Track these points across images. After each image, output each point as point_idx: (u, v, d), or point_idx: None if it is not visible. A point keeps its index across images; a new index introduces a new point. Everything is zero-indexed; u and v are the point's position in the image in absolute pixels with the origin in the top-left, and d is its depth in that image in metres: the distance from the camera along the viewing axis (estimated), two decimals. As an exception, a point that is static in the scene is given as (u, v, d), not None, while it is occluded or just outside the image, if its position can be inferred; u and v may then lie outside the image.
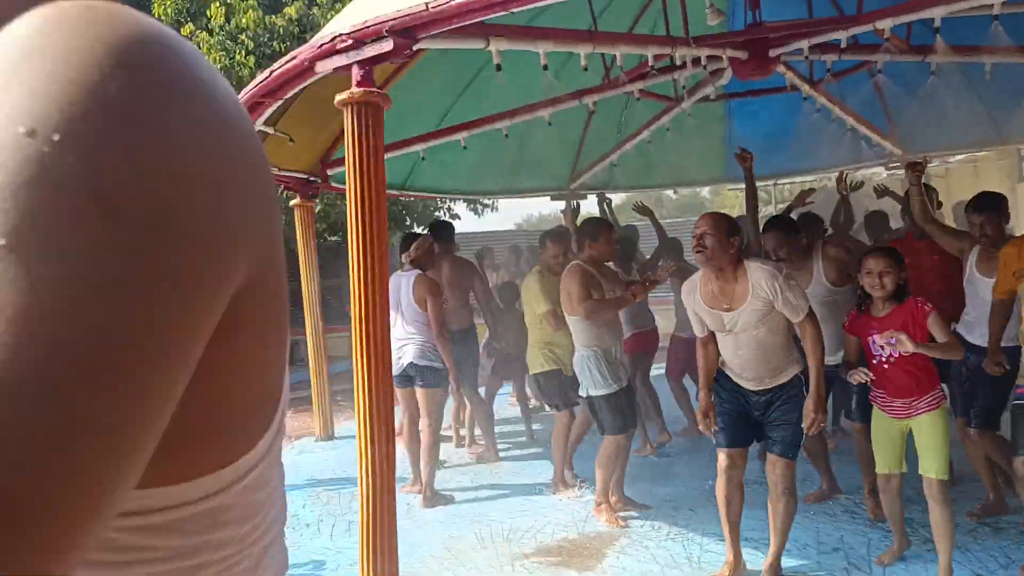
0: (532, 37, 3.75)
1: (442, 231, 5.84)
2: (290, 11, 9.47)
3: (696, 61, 4.84)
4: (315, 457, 6.24)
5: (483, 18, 3.03)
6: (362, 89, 2.97)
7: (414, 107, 6.28)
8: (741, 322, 3.21)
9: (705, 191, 30.10)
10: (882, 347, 3.16)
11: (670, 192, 13.70)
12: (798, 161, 8.37)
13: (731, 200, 25.71)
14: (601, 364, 4.14)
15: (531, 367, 4.99)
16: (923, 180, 4.16)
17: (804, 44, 4.61)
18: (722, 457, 3.41)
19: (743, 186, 12.23)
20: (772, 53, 4.73)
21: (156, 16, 9.34)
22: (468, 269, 5.79)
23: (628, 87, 5.25)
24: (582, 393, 4.32)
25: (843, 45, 4.65)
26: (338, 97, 3.02)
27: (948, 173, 9.91)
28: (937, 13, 4.01)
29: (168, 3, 9.32)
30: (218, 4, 9.15)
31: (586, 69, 4.15)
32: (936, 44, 4.43)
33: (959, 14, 4.06)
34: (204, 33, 9.10)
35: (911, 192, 4.06)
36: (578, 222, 5.65)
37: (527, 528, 4.26)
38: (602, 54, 4.59)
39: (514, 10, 2.76)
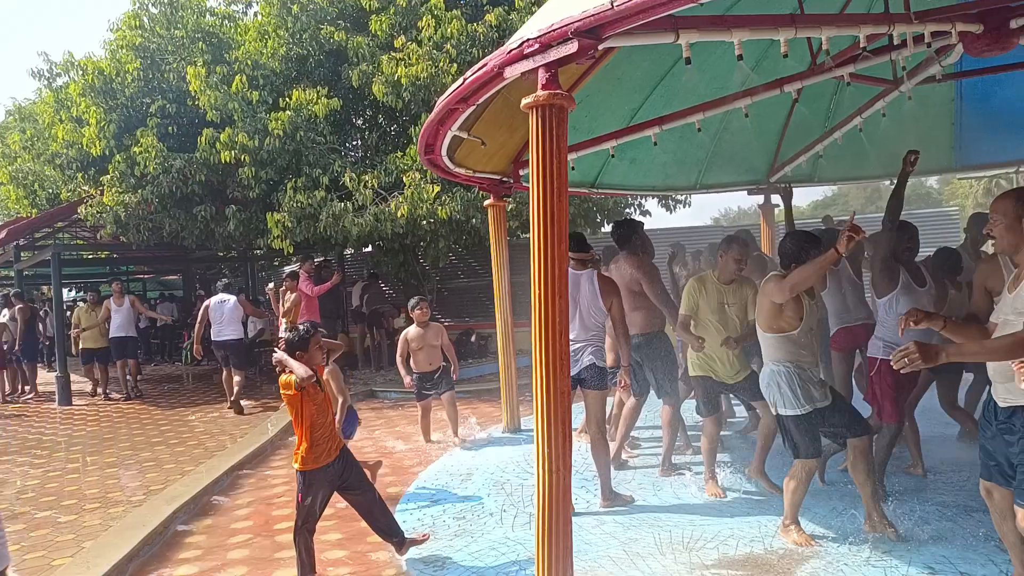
0: (725, 26, 3.57)
1: (625, 231, 5.63)
2: (490, 18, 9.83)
3: (919, 39, 4.34)
4: (502, 448, 6.47)
5: (672, 11, 2.94)
6: (547, 92, 3.00)
7: (605, 105, 6.27)
8: None
9: (932, 180, 27.16)
10: None
11: (889, 182, 12.48)
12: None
13: (963, 189, 22.98)
14: (794, 381, 3.87)
15: (692, 370, 4.96)
16: None
17: (1055, 10, 3.97)
18: None
19: (977, 174, 10.79)
20: (1013, 24, 4.12)
21: (372, 32, 10.15)
22: (640, 269, 5.44)
23: (836, 72, 4.85)
24: (773, 411, 4.09)
25: (1107, 8, 3.94)
26: (524, 100, 3.08)
27: None
28: None
29: (383, 19, 10.07)
30: (429, 16, 9.73)
31: (786, 56, 3.87)
32: None
33: None
34: (414, 44, 9.72)
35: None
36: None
37: (710, 537, 4.09)
38: (807, 39, 4.27)
39: (703, 1, 2.65)
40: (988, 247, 4.93)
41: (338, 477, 3.98)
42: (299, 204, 9.51)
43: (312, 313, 9.74)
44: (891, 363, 2.64)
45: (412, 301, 6.55)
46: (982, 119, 7.32)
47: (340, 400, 4.98)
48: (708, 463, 4.92)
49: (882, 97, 5.77)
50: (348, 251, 13.80)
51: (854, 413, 3.97)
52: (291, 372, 3.79)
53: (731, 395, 5.65)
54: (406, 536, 4.14)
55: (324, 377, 4.16)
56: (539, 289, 3.00)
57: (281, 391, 3.90)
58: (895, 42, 4.47)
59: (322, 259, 12.62)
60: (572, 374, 4.18)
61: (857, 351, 5.32)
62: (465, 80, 3.62)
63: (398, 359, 6.74)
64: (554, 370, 2.95)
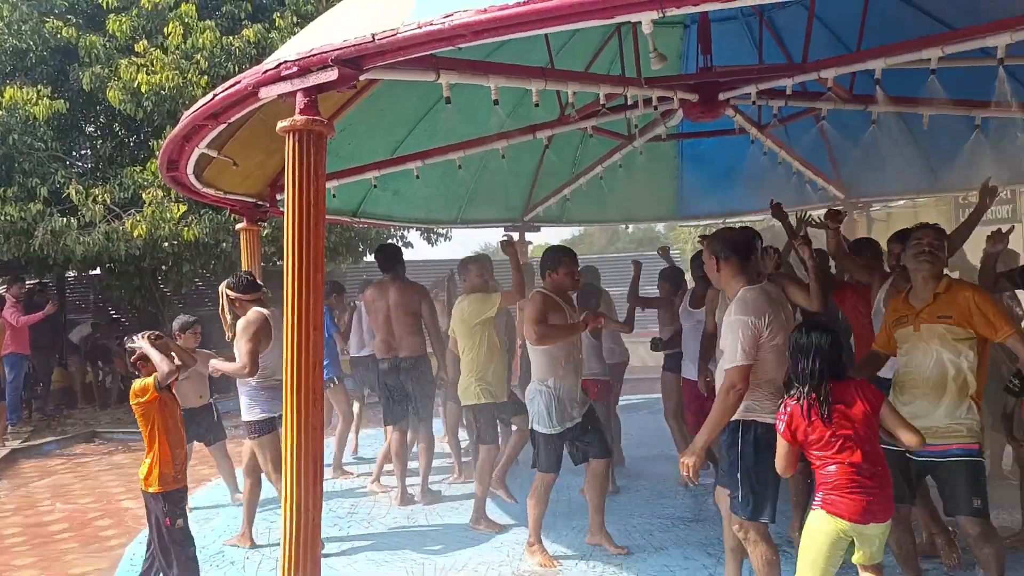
0: (483, 71, 3.75)
1: (388, 255, 5.71)
2: (248, 33, 9.38)
3: (647, 101, 4.92)
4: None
5: (433, 51, 3.02)
6: (305, 117, 2.91)
7: (369, 135, 6.25)
8: None
9: (660, 226, 30.56)
10: None
11: (625, 226, 13.89)
12: (746, 202, 8.55)
13: (684, 235, 26.11)
14: (551, 402, 4.06)
15: (464, 398, 4.89)
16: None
17: (752, 89, 4.71)
18: None
19: (695, 223, 12.37)
20: (721, 96, 4.82)
21: (110, 32, 9.15)
22: (417, 294, 5.53)
23: (581, 124, 5.30)
24: (532, 426, 4.27)
25: (789, 92, 4.78)
26: (280, 124, 2.96)
27: (890, 217, 10.23)
28: (877, 65, 4.16)
29: (124, 20, 9.15)
30: (175, 23, 9.00)
31: (537, 105, 4.16)
32: (877, 94, 4.58)
33: (898, 67, 4.21)
34: (158, 51, 8.93)
35: (828, 233, 4.09)
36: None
37: (460, 566, 4.16)
38: (557, 91, 4.62)
39: (461, 46, 2.75)
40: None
41: None
42: (8, 217, 8.23)
43: (20, 345, 8.44)
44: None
45: (180, 322, 5.49)
46: (698, 175, 8.45)
47: None
48: (481, 494, 4.88)
49: (619, 150, 6.43)
50: (70, 273, 12.15)
51: (603, 436, 4.22)
52: (147, 371, 3.43)
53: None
54: None
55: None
56: (292, 319, 2.87)
57: (133, 400, 3.47)
58: (629, 102, 5.00)
59: (36, 283, 10.92)
60: None
61: None
62: (215, 96, 3.39)
63: None
64: (305, 405, 2.82)
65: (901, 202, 9.48)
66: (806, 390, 2.72)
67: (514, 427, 5.08)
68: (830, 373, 2.72)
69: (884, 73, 4.28)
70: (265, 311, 4.43)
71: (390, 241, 12.26)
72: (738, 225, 4.41)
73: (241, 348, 4.29)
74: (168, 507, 3.55)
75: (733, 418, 3.09)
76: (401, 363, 5.32)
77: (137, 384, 3.52)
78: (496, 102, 3.92)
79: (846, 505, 2.66)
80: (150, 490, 3.55)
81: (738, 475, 3.08)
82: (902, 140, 6.32)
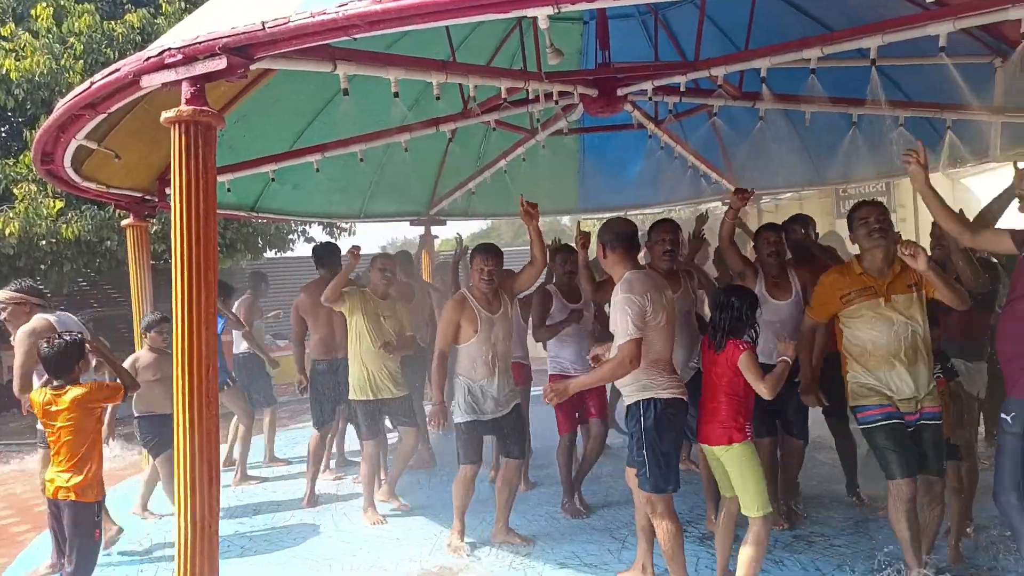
0: (382, 63, 3.69)
1: (326, 253, 5.59)
2: (132, 18, 8.86)
3: (548, 96, 4.98)
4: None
5: (328, 41, 2.95)
6: (191, 107, 2.78)
7: (266, 126, 6.04)
8: None
9: (565, 219, 31.04)
10: None
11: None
12: (645, 195, 8.81)
13: (590, 228, 26.63)
14: (464, 393, 4.11)
15: (352, 395, 4.89)
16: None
17: (648, 85, 4.85)
18: None
19: (600, 216, 12.67)
20: (619, 92, 4.94)
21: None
22: None
23: (483, 117, 5.30)
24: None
25: (682, 88, 4.95)
26: (165, 115, 2.82)
27: (778, 209, 10.79)
28: (763, 64, 4.37)
29: (-14, 0, 8.48)
30: (45, 5, 8.38)
31: (438, 98, 4.14)
32: (763, 92, 4.79)
33: (782, 66, 4.43)
34: (27, 35, 8.31)
35: (727, 213, 4.18)
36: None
37: (367, 567, 4.10)
38: (459, 84, 4.60)
39: (357, 36, 2.70)
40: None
41: None
42: None
43: None
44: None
45: (149, 319, 5.04)
46: (600, 169, 8.63)
47: None
48: (367, 492, 4.90)
49: (522, 144, 6.48)
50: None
51: (521, 438, 4.29)
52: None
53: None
54: None
55: None
56: (182, 319, 2.74)
57: (90, 403, 3.36)
58: (530, 96, 5.04)
59: None
60: None
61: None
62: (93, 84, 3.19)
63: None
64: (198, 408, 2.71)
65: (788, 195, 10.01)
66: (713, 335, 3.33)
67: (399, 432, 5.03)
68: (729, 328, 3.27)
69: (770, 72, 4.49)
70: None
71: (291, 237, 11.93)
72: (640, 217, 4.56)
73: None
74: (98, 516, 3.48)
75: (634, 400, 3.26)
76: (340, 364, 5.20)
77: (94, 385, 3.48)
78: (396, 94, 3.88)
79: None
80: (84, 499, 3.35)
81: (643, 451, 3.23)
82: (787, 136, 6.66)
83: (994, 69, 4.76)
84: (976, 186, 9.85)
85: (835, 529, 4.19)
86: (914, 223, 9.98)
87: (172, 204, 2.78)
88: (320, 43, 2.83)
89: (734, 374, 3.25)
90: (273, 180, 5.84)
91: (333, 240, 11.67)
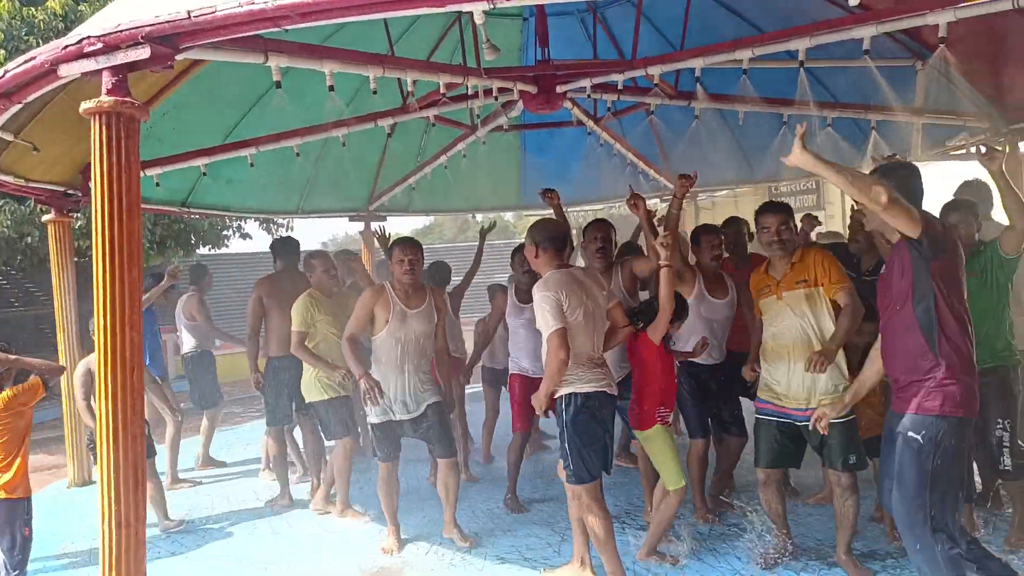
0: (316, 56, 3.62)
1: (285, 248, 5.47)
2: (53, 5, 8.47)
3: (488, 92, 4.98)
4: (67, 506, 5.50)
5: (258, 32, 2.87)
6: (113, 98, 2.67)
7: (197, 119, 5.87)
8: None
9: (508, 215, 31.10)
10: None
11: (478, 216, 14.00)
12: (585, 191, 8.88)
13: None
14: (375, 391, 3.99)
15: (308, 395, 4.72)
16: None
17: (587, 83, 4.89)
18: None
19: (541, 212, 12.80)
20: (558, 89, 4.96)
21: None
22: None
23: (422, 113, 5.26)
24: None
25: (620, 87, 5.01)
26: (84, 105, 2.70)
27: (714, 206, 11.04)
28: (697, 64, 4.46)
29: None
30: (-42, -12, 7.95)
31: (375, 93, 4.09)
32: (697, 91, 4.89)
33: (716, 66, 4.53)
34: (-60, 19, 7.86)
35: (671, 204, 4.13)
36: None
37: (307, 566, 4.04)
38: (398, 79, 4.55)
39: (288, 28, 2.64)
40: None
41: None
42: None
43: None
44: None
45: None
46: (540, 166, 8.67)
47: None
48: (344, 486, 4.75)
49: (462, 140, 6.45)
50: None
51: (445, 435, 4.12)
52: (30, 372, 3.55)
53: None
54: None
55: None
56: (104, 319, 2.63)
57: (7, 407, 3.53)
58: (470, 92, 5.03)
59: None
60: None
61: None
62: (7, 73, 3.03)
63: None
64: (123, 410, 2.61)
65: (723, 192, 10.25)
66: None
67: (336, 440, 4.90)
68: (644, 321, 3.59)
69: (705, 72, 4.59)
70: None
71: (225, 233, 11.60)
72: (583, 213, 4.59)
73: None
74: (27, 513, 3.62)
75: (557, 394, 3.31)
76: (297, 362, 5.00)
77: (23, 385, 3.59)
78: (332, 88, 3.82)
79: None
80: (14, 496, 3.57)
81: (565, 444, 3.31)
82: (722, 135, 6.82)
83: (916, 72, 4.97)
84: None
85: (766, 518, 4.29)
86: (842, 220, 10.35)
87: (92, 199, 2.66)
88: (249, 34, 2.76)
89: (649, 364, 3.53)
90: (205, 175, 5.67)
91: (271, 236, 11.46)
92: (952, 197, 3.97)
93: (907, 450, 2.61)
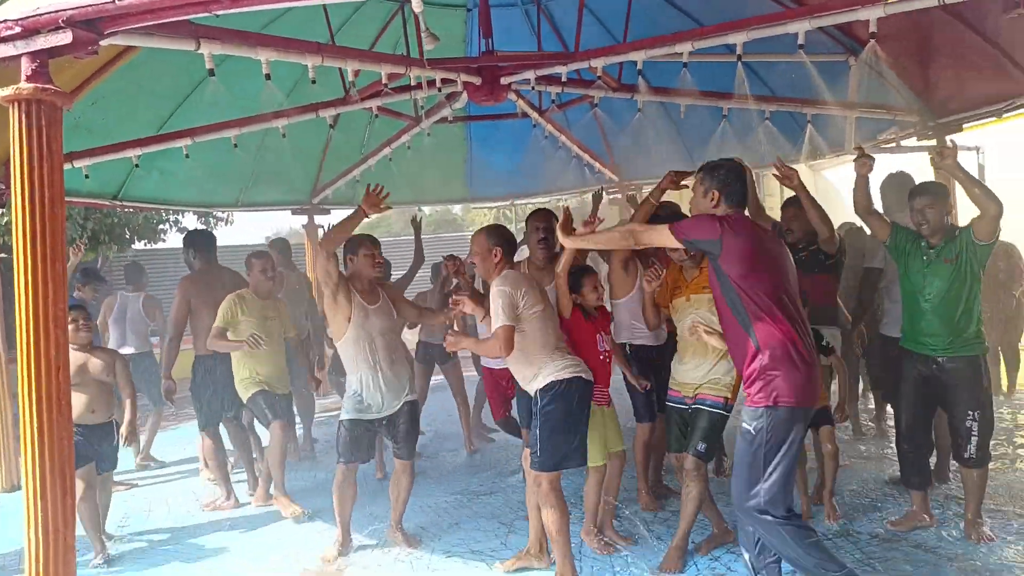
0: (251, 43, 3.52)
1: (202, 242, 5.32)
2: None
3: (432, 83, 4.91)
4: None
5: (188, 17, 2.78)
6: (33, 85, 2.54)
7: (128, 108, 5.66)
8: None
9: (456, 208, 31.01)
10: None
11: (426, 209, 13.87)
12: (532, 184, 8.89)
13: (480, 217, 26.76)
14: (350, 392, 3.95)
15: (242, 394, 4.72)
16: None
17: (531, 75, 4.89)
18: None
19: (489, 204, 12.62)
20: (503, 81, 4.94)
21: None
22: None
23: (365, 104, 5.17)
24: None
25: (564, 79, 5.01)
26: (2, 92, 2.56)
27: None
28: (639, 56, 4.49)
29: None
30: None
31: (314, 82, 4.01)
32: (639, 84, 4.94)
33: (657, 59, 4.57)
34: None
35: (651, 196, 4.26)
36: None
37: (246, 565, 3.96)
38: (339, 69, 4.46)
39: (219, 13, 2.55)
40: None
41: None
42: None
43: None
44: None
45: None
46: (487, 158, 8.64)
47: None
48: (278, 480, 4.69)
49: (407, 131, 6.38)
50: None
51: (412, 438, 4.08)
52: None
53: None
54: None
55: None
56: (27, 317, 2.51)
57: None
58: (413, 83, 4.96)
59: None
60: None
61: None
62: (-85, 57, 2.85)
63: None
64: (49, 412, 2.50)
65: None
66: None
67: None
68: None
69: (648, 65, 4.63)
70: None
71: (162, 227, 11.22)
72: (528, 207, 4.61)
73: None
74: None
75: (536, 386, 3.36)
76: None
77: None
78: (268, 77, 3.72)
79: None
80: None
81: (536, 430, 3.33)
82: (665, 127, 6.90)
83: (849, 67, 5.12)
84: (834, 177, 10.59)
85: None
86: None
87: (12, 191, 2.53)
88: (179, 19, 2.66)
89: (572, 336, 3.60)
90: (137, 166, 5.46)
91: (211, 230, 11.12)
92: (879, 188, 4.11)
93: (742, 440, 2.79)
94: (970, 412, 3.60)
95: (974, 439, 3.61)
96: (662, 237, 2.96)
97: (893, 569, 3.41)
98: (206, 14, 2.55)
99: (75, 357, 3.96)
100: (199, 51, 3.29)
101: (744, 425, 2.77)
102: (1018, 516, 3.93)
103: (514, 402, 4.57)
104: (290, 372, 5.09)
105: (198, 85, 5.75)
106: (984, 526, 3.71)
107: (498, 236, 3.57)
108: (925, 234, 3.65)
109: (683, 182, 4.32)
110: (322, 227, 8.95)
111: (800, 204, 4.15)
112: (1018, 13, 3.07)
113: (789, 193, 4.35)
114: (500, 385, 4.68)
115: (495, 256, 3.49)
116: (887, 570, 3.41)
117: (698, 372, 3.55)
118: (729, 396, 3.50)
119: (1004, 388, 6.67)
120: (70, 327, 3.70)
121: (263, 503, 4.87)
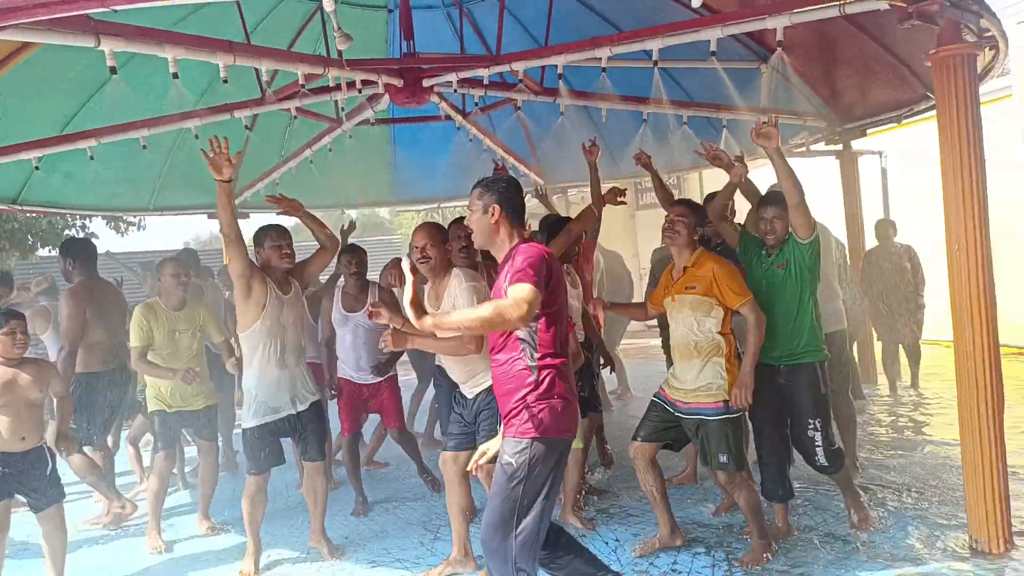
0: (156, 40, 3.38)
1: (80, 251, 5.00)
2: None
3: (351, 84, 4.82)
4: None
5: (86, 11, 2.64)
6: (-91, 81, 2.36)
7: (28, 108, 5.36)
8: None
9: (384, 211, 30.68)
10: None
11: (352, 213, 13.62)
12: (456, 187, 8.86)
13: (408, 220, 26.56)
14: (249, 396, 3.78)
15: (150, 405, 4.46)
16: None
17: (453, 77, 4.86)
18: None
19: (416, 207, 12.51)
20: (425, 83, 4.90)
21: None
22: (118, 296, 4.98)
23: (282, 105, 5.05)
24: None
25: (486, 81, 5.01)
26: None
27: (583, 200, 11.33)
28: (559, 61, 4.53)
29: None
30: None
31: (226, 82, 3.87)
32: (561, 88, 4.98)
33: (578, 64, 4.62)
34: None
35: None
36: None
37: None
38: (256, 69, 4.32)
39: (117, 8, 2.43)
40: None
41: None
42: None
43: None
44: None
45: None
46: (411, 161, 8.55)
47: None
48: (153, 510, 4.38)
49: (328, 133, 6.24)
50: None
51: (319, 438, 3.95)
52: None
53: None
54: None
55: None
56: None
57: None
58: (332, 84, 4.86)
59: None
60: None
61: None
62: None
63: None
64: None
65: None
66: None
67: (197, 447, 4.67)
68: None
69: (571, 70, 4.67)
70: None
71: (68, 232, 10.68)
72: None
73: None
74: None
75: (482, 388, 3.42)
76: (122, 374, 4.77)
77: None
78: (176, 75, 3.58)
79: None
80: None
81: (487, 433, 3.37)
82: (587, 130, 6.99)
83: (760, 74, 5.31)
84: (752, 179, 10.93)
85: (640, 501, 4.34)
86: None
87: None
88: (74, 13, 2.52)
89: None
90: (38, 168, 5.18)
91: (120, 235, 10.69)
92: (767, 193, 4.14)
93: (502, 472, 2.62)
94: (811, 421, 3.58)
95: (819, 448, 3.59)
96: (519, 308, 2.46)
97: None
98: (101, 8, 2.43)
99: (1, 373, 3.47)
100: (99, 47, 3.13)
101: (506, 458, 2.63)
102: (922, 500, 4.15)
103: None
104: (215, 380, 4.84)
105: (104, 84, 5.48)
106: (862, 510, 3.82)
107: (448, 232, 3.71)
108: (769, 243, 3.64)
109: (620, 199, 4.54)
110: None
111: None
112: (911, 24, 3.23)
113: (711, 191, 4.43)
114: (360, 402, 4.73)
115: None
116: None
117: (687, 376, 3.49)
118: (727, 397, 3.43)
119: (908, 381, 7.04)
120: (5, 339, 3.46)
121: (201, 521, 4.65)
